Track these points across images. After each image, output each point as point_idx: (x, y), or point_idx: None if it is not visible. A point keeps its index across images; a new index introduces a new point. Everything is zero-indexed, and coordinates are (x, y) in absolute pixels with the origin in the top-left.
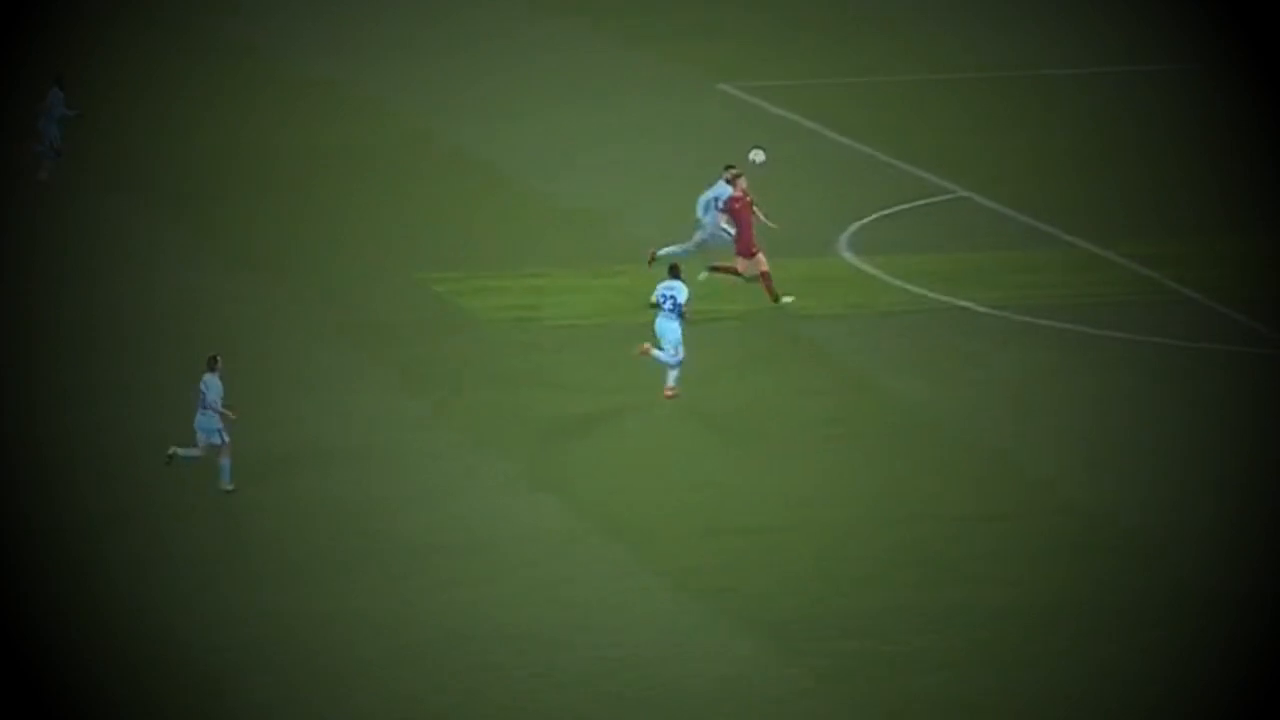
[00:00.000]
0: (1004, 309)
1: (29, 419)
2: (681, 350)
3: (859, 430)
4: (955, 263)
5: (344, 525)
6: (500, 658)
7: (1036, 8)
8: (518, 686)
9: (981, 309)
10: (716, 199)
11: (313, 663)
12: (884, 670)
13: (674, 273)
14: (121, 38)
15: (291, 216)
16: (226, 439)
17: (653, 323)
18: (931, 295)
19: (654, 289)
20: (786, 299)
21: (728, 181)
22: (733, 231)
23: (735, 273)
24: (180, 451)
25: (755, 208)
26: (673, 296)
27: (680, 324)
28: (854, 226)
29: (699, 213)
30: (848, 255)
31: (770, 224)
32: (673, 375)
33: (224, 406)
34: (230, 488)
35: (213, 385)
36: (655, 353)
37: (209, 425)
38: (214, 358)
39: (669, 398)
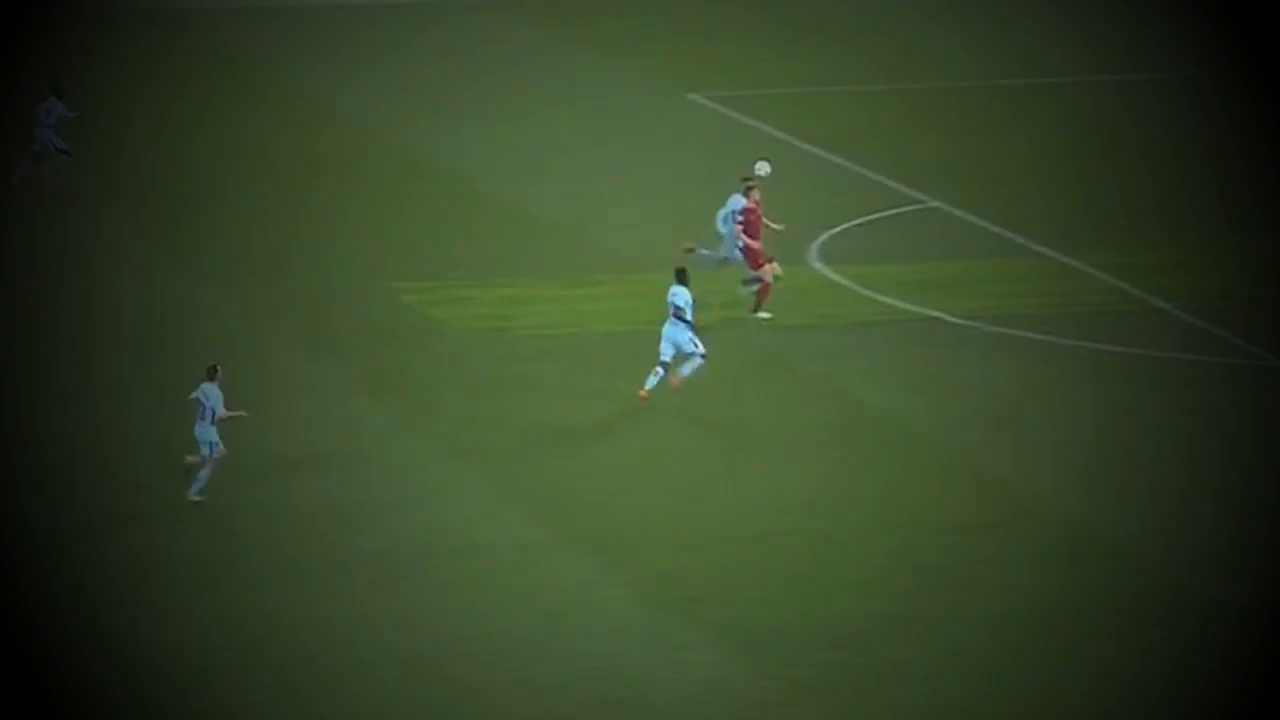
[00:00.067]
0: (976, 319)
1: (29, 419)
2: (700, 344)
3: (841, 440)
4: (926, 272)
5: (310, 531)
6: (477, 666)
7: (1003, 16)
8: (494, 693)
9: (953, 319)
10: (734, 211)
11: (312, 663)
12: (871, 680)
13: (679, 277)
14: (122, 37)
15: (260, 227)
16: (221, 452)
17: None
18: (903, 305)
19: (623, 299)
20: (763, 315)
21: (743, 194)
22: (743, 245)
23: (767, 283)
24: (192, 460)
25: (765, 218)
26: (673, 302)
27: (687, 328)
28: (824, 236)
29: (719, 225)
30: (818, 265)
31: (776, 226)
32: (688, 367)
33: (230, 410)
34: (199, 499)
35: (212, 394)
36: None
37: (207, 436)
38: (214, 367)
39: (675, 387)
